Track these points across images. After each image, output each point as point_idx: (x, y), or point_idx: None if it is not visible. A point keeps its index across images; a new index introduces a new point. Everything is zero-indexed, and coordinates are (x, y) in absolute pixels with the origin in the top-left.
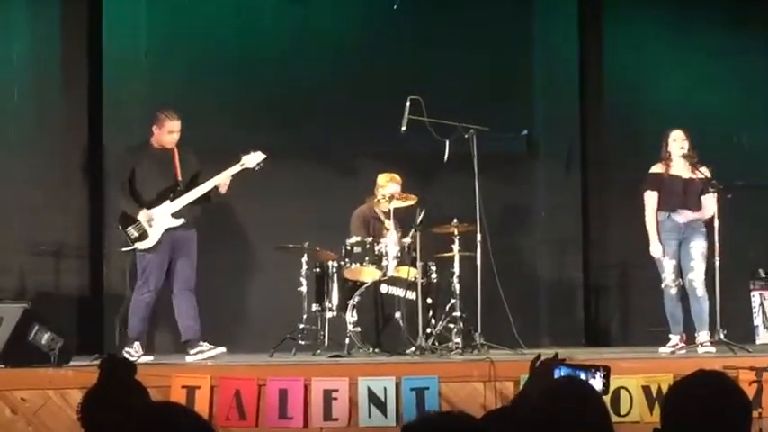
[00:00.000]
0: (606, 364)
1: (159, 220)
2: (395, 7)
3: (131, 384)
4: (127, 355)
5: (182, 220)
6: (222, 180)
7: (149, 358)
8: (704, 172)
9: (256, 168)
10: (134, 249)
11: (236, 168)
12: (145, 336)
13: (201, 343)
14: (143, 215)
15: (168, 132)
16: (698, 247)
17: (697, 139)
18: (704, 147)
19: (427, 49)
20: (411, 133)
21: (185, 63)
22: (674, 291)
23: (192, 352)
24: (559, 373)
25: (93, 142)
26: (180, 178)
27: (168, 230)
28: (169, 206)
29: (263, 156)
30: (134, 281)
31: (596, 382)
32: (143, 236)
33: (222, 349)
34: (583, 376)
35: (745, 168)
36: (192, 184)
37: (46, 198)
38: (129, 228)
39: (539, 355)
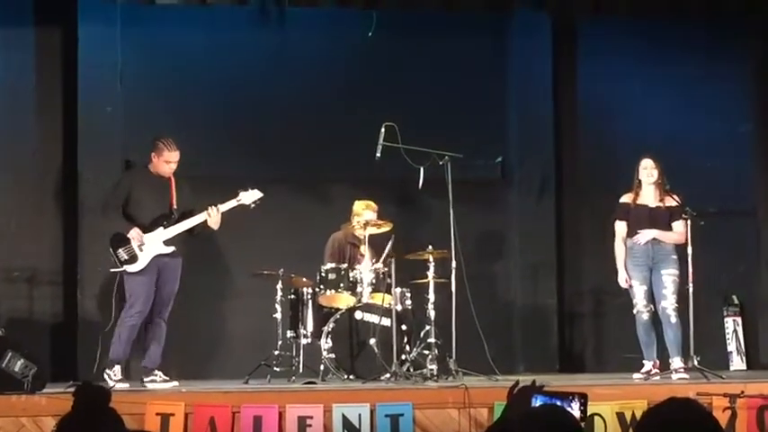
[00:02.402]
0: (583, 392)
1: (150, 245)
2: (370, 34)
3: (105, 412)
4: (106, 378)
5: (172, 248)
6: (213, 213)
7: (125, 385)
8: (675, 199)
9: (252, 206)
10: (122, 271)
11: (231, 203)
12: (124, 360)
13: (156, 372)
14: (136, 238)
15: (165, 162)
16: (669, 273)
17: (669, 166)
18: (677, 174)
19: (402, 75)
20: (386, 160)
21: (161, 90)
22: (645, 317)
23: (146, 379)
24: (536, 400)
25: (68, 168)
26: (175, 206)
27: (157, 256)
28: (162, 233)
29: (261, 194)
30: (121, 304)
31: (573, 411)
32: (132, 259)
33: (175, 383)
34: (560, 404)
35: (717, 195)
36: (185, 215)
37: (19, 224)
38: (120, 250)
39: (517, 382)
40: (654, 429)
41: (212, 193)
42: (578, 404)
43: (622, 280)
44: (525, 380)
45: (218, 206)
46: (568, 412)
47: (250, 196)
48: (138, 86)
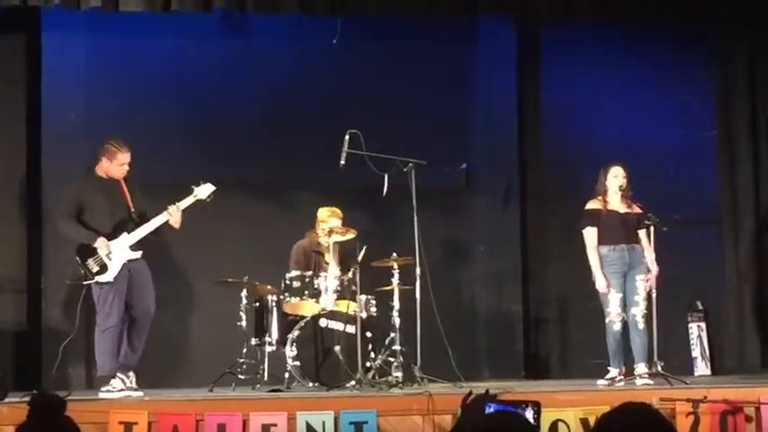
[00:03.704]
0: (537, 400)
1: (118, 252)
2: (334, 41)
3: (61, 421)
4: (107, 394)
5: (140, 253)
6: (174, 211)
7: (139, 394)
8: (639, 207)
9: (208, 200)
10: (94, 283)
11: (189, 200)
12: (127, 369)
13: (111, 382)
14: (103, 248)
15: (119, 165)
16: (642, 280)
17: (633, 172)
18: (641, 181)
19: (366, 82)
20: (350, 167)
21: (125, 96)
22: (617, 327)
23: (103, 389)
24: (490, 409)
25: (32, 175)
26: (132, 209)
27: (126, 263)
28: (127, 238)
29: (213, 187)
30: (87, 313)
31: (527, 419)
32: (103, 269)
33: (139, 393)
34: None
35: (681, 201)
36: (143, 217)
37: None
38: (89, 260)
39: (470, 392)
40: None
41: (177, 199)
42: (532, 412)
43: (602, 286)
44: (489, 386)
45: (178, 204)
46: (522, 416)
47: (204, 190)
48: (103, 94)
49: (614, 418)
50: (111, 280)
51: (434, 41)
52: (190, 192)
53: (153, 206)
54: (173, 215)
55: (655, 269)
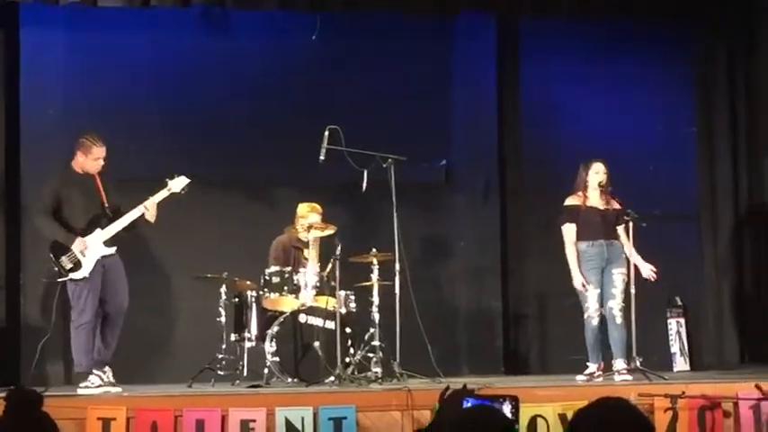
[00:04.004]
0: (514, 394)
1: (92, 248)
2: (313, 37)
3: (37, 416)
4: (85, 390)
5: (114, 249)
6: (149, 205)
7: (118, 389)
8: (619, 202)
9: (182, 192)
10: (69, 279)
11: (163, 193)
12: (102, 364)
13: (89, 378)
14: (77, 244)
15: (95, 159)
16: (620, 272)
17: (613, 169)
18: (620, 177)
19: (346, 78)
20: (330, 163)
21: (104, 92)
22: (595, 321)
23: (81, 385)
24: (467, 404)
25: (10, 172)
26: (106, 204)
27: (100, 259)
28: (100, 234)
29: (188, 180)
30: (63, 310)
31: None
32: (77, 266)
33: (118, 389)
34: None
35: (661, 197)
36: (117, 212)
37: None
38: (63, 258)
39: (447, 387)
40: (586, 430)
41: (151, 194)
42: (509, 406)
43: (579, 283)
44: (468, 382)
45: (152, 198)
46: (500, 411)
47: (178, 183)
48: (82, 90)
49: (590, 413)
50: (86, 276)
51: (414, 37)
52: (164, 185)
53: (129, 202)
54: (148, 209)
55: (644, 266)
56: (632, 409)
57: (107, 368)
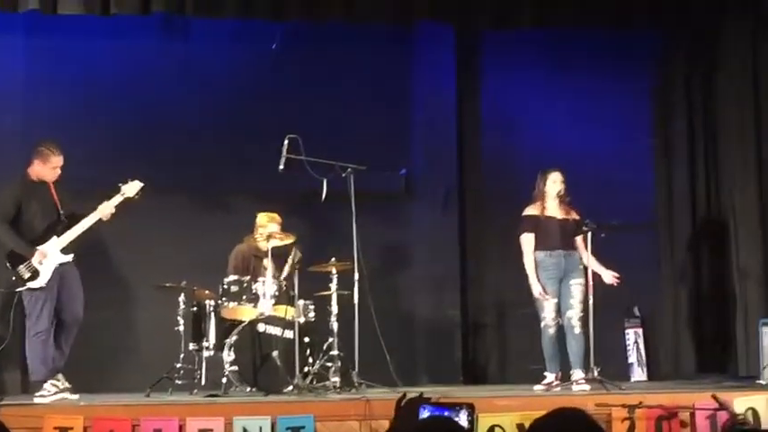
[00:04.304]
0: (471, 402)
1: (50, 256)
2: (273, 46)
3: None
4: (41, 399)
5: (71, 256)
6: (105, 211)
7: (75, 397)
8: (577, 212)
9: (136, 197)
10: (26, 289)
11: (117, 199)
12: (56, 372)
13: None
14: (36, 254)
15: (52, 168)
16: (578, 283)
17: (572, 179)
18: (579, 187)
19: (306, 87)
20: (289, 172)
21: (63, 99)
22: (552, 330)
23: (37, 394)
24: (424, 411)
25: None
26: (62, 212)
27: (57, 267)
28: (57, 242)
29: (141, 184)
30: (21, 318)
31: (461, 421)
32: (35, 275)
33: (74, 397)
34: (447, 415)
35: (619, 208)
36: (73, 219)
37: None
38: (21, 267)
39: (404, 395)
40: None
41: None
42: (466, 414)
43: (537, 292)
44: (427, 391)
45: (107, 202)
46: (456, 423)
47: (132, 188)
48: (41, 96)
49: (547, 424)
50: (44, 285)
51: (374, 46)
52: (117, 190)
53: (84, 209)
54: (104, 215)
55: (606, 272)
56: (588, 420)
57: (60, 375)
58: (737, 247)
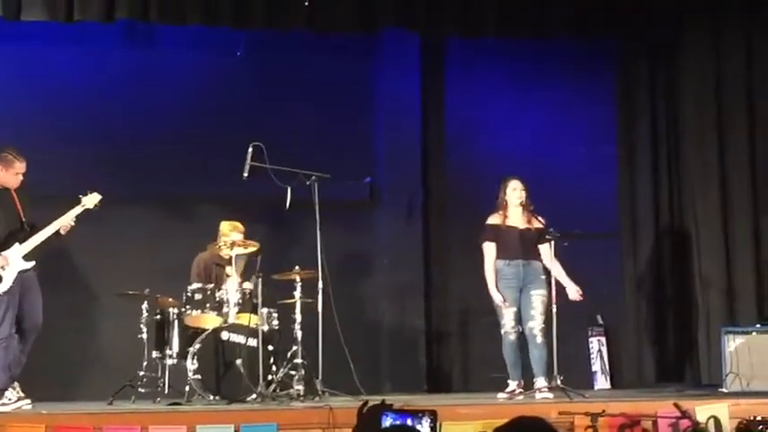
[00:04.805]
0: (433, 409)
1: (12, 263)
2: (238, 54)
3: None
4: (2, 408)
5: (33, 263)
6: (66, 221)
7: (28, 401)
8: (540, 221)
9: (95, 208)
10: None
11: (77, 210)
12: (13, 380)
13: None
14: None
15: (15, 174)
16: (538, 294)
17: (536, 187)
18: (542, 195)
19: (270, 95)
20: (253, 180)
21: (27, 107)
22: (513, 337)
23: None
24: (386, 419)
25: None
26: (24, 218)
27: (18, 273)
28: (19, 249)
29: (100, 196)
30: None
31: (423, 428)
32: None
33: (26, 402)
34: (410, 422)
35: (582, 216)
36: (34, 227)
37: None
38: None
39: (366, 402)
40: None
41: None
42: (428, 421)
43: (498, 300)
44: (378, 400)
45: (67, 214)
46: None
47: (91, 199)
48: (3, 103)
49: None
50: (5, 291)
51: (338, 54)
52: (78, 201)
53: (46, 215)
54: (65, 225)
55: (572, 287)
56: (548, 428)
57: (16, 383)
58: (700, 256)
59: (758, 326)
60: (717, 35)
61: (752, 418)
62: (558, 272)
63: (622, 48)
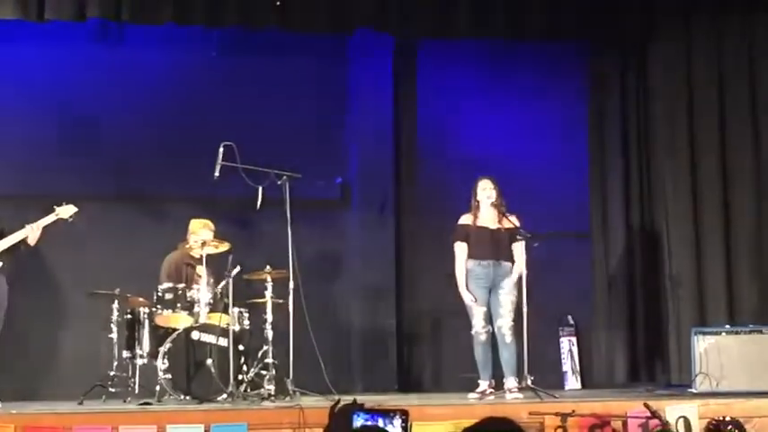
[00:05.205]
0: (405, 409)
1: None
2: (213, 54)
3: None
4: None
5: (0, 264)
6: (35, 228)
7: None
8: (512, 221)
9: (69, 220)
10: None
11: (50, 218)
12: None
13: None
14: None
15: None
16: (507, 294)
17: (508, 187)
18: (514, 195)
19: (243, 94)
20: (225, 179)
21: None
22: (483, 337)
23: None
24: (358, 418)
25: None
26: None
27: None
28: None
29: (75, 209)
30: None
31: (395, 428)
32: None
33: None
34: (381, 421)
35: (554, 216)
36: (2, 232)
37: None
38: None
39: (338, 401)
40: None
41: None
42: (400, 421)
43: (468, 299)
44: (363, 400)
45: (38, 222)
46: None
47: (66, 211)
48: None
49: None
50: None
51: (311, 54)
52: (51, 210)
53: (15, 216)
54: (33, 232)
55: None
56: (516, 428)
57: None
58: (670, 256)
59: (728, 327)
60: (687, 35)
61: (721, 418)
62: (519, 267)
63: (594, 48)
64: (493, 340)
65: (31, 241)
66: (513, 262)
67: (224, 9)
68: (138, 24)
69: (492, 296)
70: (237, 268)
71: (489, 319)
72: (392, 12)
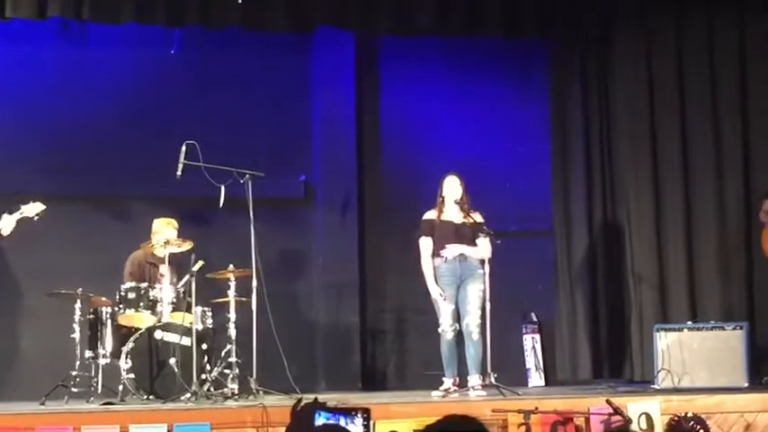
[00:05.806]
0: (366, 407)
1: None
2: (172, 52)
3: None
4: None
5: None
6: (3, 224)
7: None
8: (476, 217)
9: (35, 218)
10: None
11: (15, 216)
12: None
13: None
14: None
15: None
16: (475, 290)
17: (472, 185)
18: (479, 193)
19: (205, 93)
20: (187, 178)
21: None
22: (450, 335)
23: None
24: (319, 417)
25: None
26: None
27: None
28: None
29: (43, 207)
30: None
31: (356, 427)
32: None
33: None
34: (343, 420)
35: (517, 214)
36: None
37: None
38: None
39: (300, 400)
40: None
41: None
42: (361, 419)
43: (436, 293)
44: (325, 398)
45: (14, 215)
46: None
47: (32, 209)
48: None
49: (436, 430)
50: None
51: (273, 52)
52: (17, 208)
53: None
54: (7, 221)
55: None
56: (477, 426)
57: None
58: (633, 253)
59: (690, 323)
60: (648, 34)
61: (683, 414)
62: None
63: (555, 46)
64: (459, 337)
65: (5, 231)
66: (479, 257)
67: (185, 9)
68: (98, 23)
69: (460, 292)
70: (201, 262)
71: (457, 316)
72: (353, 9)
